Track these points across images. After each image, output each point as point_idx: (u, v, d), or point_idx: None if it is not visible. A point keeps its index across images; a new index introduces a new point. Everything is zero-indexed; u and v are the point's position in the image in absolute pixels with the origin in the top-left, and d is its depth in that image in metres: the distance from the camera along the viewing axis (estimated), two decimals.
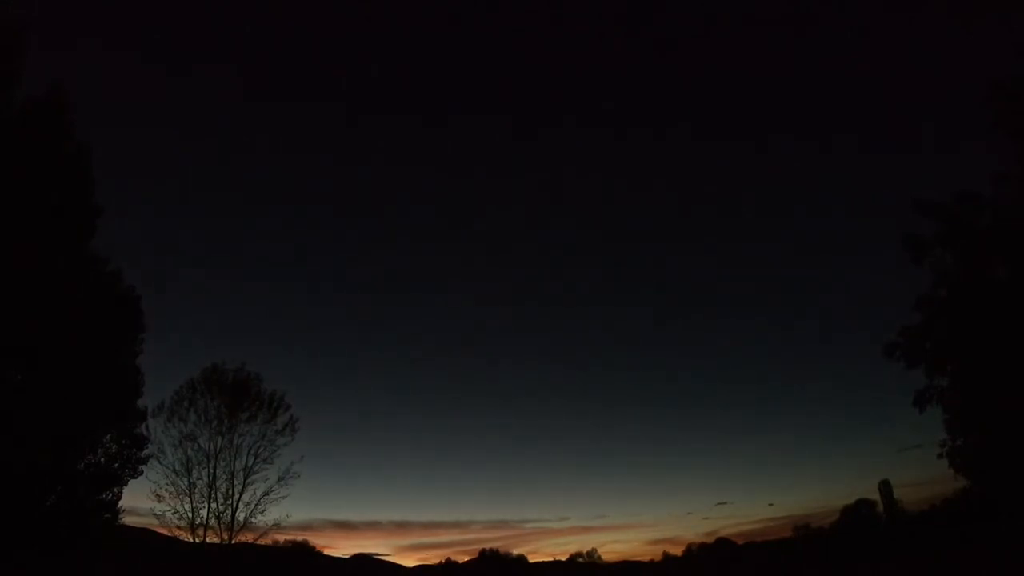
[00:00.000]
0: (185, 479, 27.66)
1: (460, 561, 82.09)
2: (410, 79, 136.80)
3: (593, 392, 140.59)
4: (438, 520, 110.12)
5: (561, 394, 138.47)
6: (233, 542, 28.23)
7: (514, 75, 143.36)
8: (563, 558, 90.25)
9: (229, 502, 28.28)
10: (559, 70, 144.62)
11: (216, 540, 27.88)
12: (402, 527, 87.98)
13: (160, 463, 27.02)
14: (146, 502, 26.73)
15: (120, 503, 21.45)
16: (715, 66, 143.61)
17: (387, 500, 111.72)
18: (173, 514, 27.16)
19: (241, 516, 28.21)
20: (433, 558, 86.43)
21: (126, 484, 21.85)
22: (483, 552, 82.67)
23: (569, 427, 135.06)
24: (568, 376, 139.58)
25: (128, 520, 23.09)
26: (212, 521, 27.81)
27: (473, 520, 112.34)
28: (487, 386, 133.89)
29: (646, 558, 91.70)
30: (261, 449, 29.03)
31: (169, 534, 27.99)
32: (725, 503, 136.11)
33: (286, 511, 29.14)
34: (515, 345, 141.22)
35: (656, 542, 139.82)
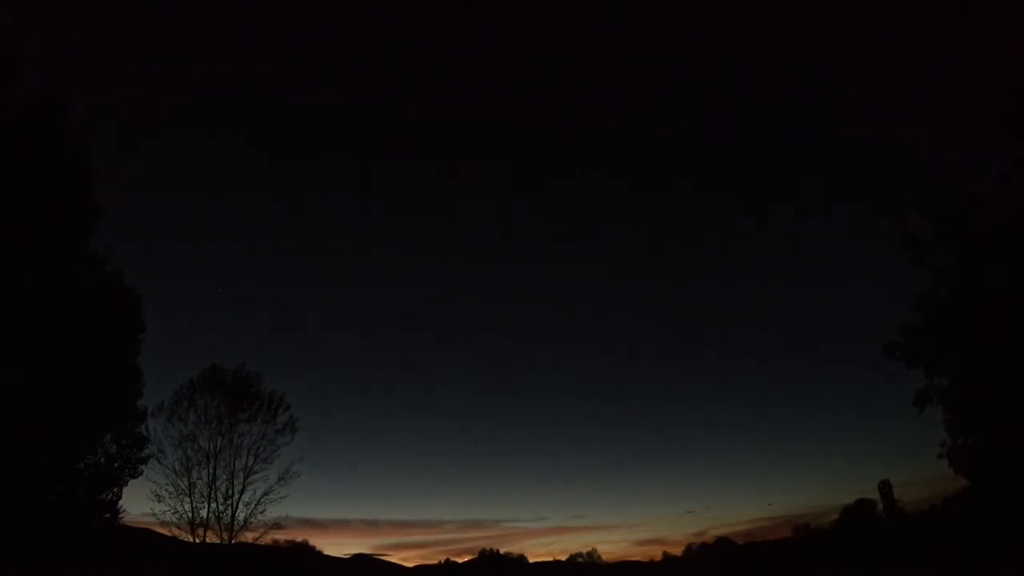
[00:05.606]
0: (185, 479, 27.65)
1: (459, 560, 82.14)
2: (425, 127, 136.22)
3: (578, 390, 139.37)
4: (410, 519, 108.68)
5: (540, 392, 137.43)
6: (233, 542, 28.23)
7: (518, 127, 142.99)
8: (563, 558, 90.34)
9: (229, 502, 28.30)
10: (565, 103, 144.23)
11: (216, 540, 27.90)
12: (372, 526, 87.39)
13: (160, 463, 27.00)
14: (146, 502, 26.73)
15: (120, 503, 21.55)
16: (714, 65, 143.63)
17: (357, 498, 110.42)
18: (173, 514, 27.19)
19: (241, 516, 28.24)
20: (414, 559, 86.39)
21: (126, 484, 21.88)
22: (483, 552, 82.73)
23: (548, 426, 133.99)
24: (551, 374, 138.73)
25: (128, 520, 23.18)
26: (212, 521, 27.86)
27: (446, 519, 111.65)
28: (461, 384, 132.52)
29: (644, 558, 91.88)
30: (261, 449, 29.03)
31: (169, 534, 28.01)
32: (692, 511, 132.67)
33: (285, 511, 29.15)
34: (498, 345, 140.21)
35: (643, 543, 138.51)
